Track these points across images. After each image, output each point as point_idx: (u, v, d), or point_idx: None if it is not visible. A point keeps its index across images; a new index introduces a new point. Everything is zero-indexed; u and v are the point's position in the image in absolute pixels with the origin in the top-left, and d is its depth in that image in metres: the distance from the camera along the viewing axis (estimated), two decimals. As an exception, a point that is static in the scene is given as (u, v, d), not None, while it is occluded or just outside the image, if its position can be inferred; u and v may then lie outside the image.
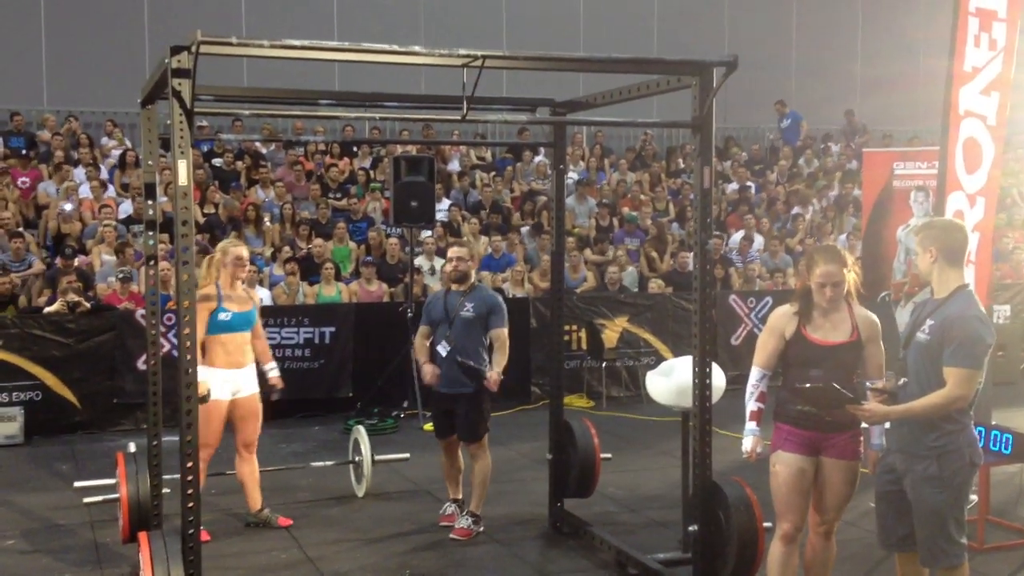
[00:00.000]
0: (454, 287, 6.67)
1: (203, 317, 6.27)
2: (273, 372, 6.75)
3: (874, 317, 4.75)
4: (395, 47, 4.75)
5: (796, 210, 15.69)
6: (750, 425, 4.80)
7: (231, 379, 6.43)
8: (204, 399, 6.11)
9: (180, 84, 4.45)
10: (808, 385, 4.55)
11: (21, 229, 11.90)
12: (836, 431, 4.66)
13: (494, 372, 6.46)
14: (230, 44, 4.37)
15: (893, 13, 19.50)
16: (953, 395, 4.21)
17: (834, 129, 19.38)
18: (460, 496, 6.94)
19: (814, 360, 4.67)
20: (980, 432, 6.38)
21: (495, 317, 6.58)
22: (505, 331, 6.60)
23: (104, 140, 14.92)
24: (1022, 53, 6.89)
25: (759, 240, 14.35)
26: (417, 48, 4.80)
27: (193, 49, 4.33)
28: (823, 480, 4.74)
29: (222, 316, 6.39)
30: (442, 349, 6.62)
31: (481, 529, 6.64)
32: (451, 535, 6.57)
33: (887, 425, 4.62)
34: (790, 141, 18.55)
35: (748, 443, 4.78)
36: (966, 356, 4.20)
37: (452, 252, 6.74)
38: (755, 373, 4.84)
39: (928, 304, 4.47)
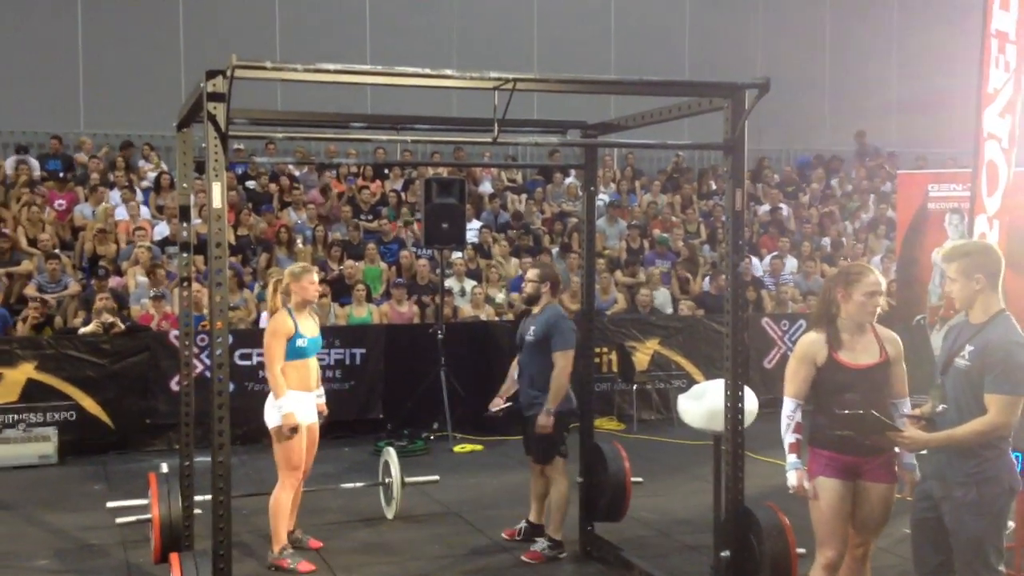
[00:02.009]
0: (531, 309, 6.67)
1: (282, 344, 6.26)
2: (321, 398, 6.70)
3: (896, 336, 4.75)
4: (427, 71, 4.77)
5: (826, 229, 15.61)
6: (791, 459, 4.71)
7: (307, 402, 6.44)
8: (294, 430, 6.18)
9: (215, 108, 4.51)
10: (847, 412, 4.50)
11: (57, 251, 12.05)
12: (874, 454, 4.63)
13: (541, 415, 6.37)
14: (264, 68, 4.41)
15: (928, 35, 19.38)
16: (996, 422, 4.14)
17: (847, 151, 19.24)
18: (536, 519, 6.84)
19: (848, 384, 4.62)
20: (1018, 457, 6.28)
21: (555, 339, 6.41)
22: (562, 354, 6.39)
23: (140, 163, 15.10)
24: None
25: (792, 262, 14.26)
26: (449, 71, 4.82)
27: (228, 73, 4.37)
28: (861, 504, 4.70)
29: (299, 343, 6.34)
30: (515, 372, 6.68)
31: (562, 555, 6.53)
32: (522, 556, 6.52)
33: (923, 451, 4.56)
34: (804, 170, 18.54)
35: (793, 478, 4.69)
36: (1008, 382, 4.13)
37: (526, 274, 6.78)
38: (789, 404, 4.76)
39: (965, 329, 4.38)
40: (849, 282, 4.69)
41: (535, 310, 6.62)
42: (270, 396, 6.31)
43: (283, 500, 6.33)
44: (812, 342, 4.74)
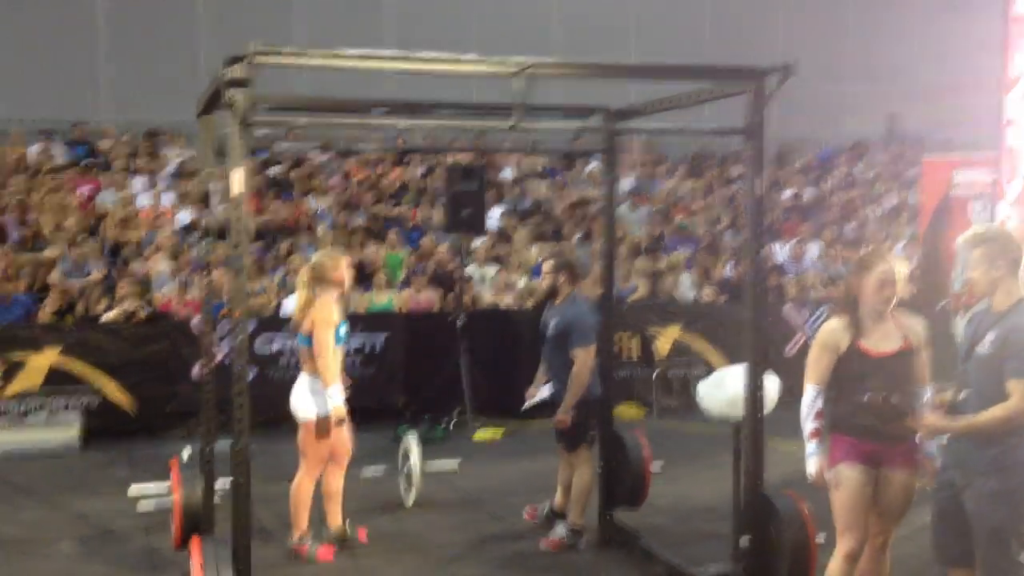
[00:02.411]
0: (554, 300, 6.62)
1: (332, 333, 6.16)
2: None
3: (920, 323, 4.73)
4: (447, 55, 4.76)
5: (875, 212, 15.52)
6: (811, 446, 4.72)
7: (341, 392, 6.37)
8: (341, 422, 6.18)
9: (236, 94, 4.50)
10: (866, 399, 4.47)
11: (81, 238, 12.09)
12: (896, 442, 4.62)
13: (560, 411, 6.35)
14: (284, 54, 4.41)
15: (952, 18, 19.15)
16: (1019, 408, 4.11)
17: (871, 137, 19.05)
18: (559, 507, 6.83)
19: (870, 372, 4.61)
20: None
21: (574, 335, 6.36)
22: (583, 350, 6.33)
23: (163, 150, 15.14)
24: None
25: (814, 248, 14.16)
26: (468, 57, 4.80)
27: (248, 60, 4.37)
28: (883, 492, 4.68)
29: (342, 331, 6.29)
30: (542, 369, 6.69)
31: (582, 543, 6.53)
32: (541, 544, 6.52)
33: (944, 439, 4.52)
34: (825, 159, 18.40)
35: (812, 466, 4.72)
36: None
37: (543, 267, 6.71)
38: (810, 391, 4.74)
39: (988, 316, 4.35)
40: (862, 270, 4.68)
41: (557, 301, 6.58)
42: (303, 383, 6.22)
43: (305, 487, 6.32)
44: (834, 329, 4.71)
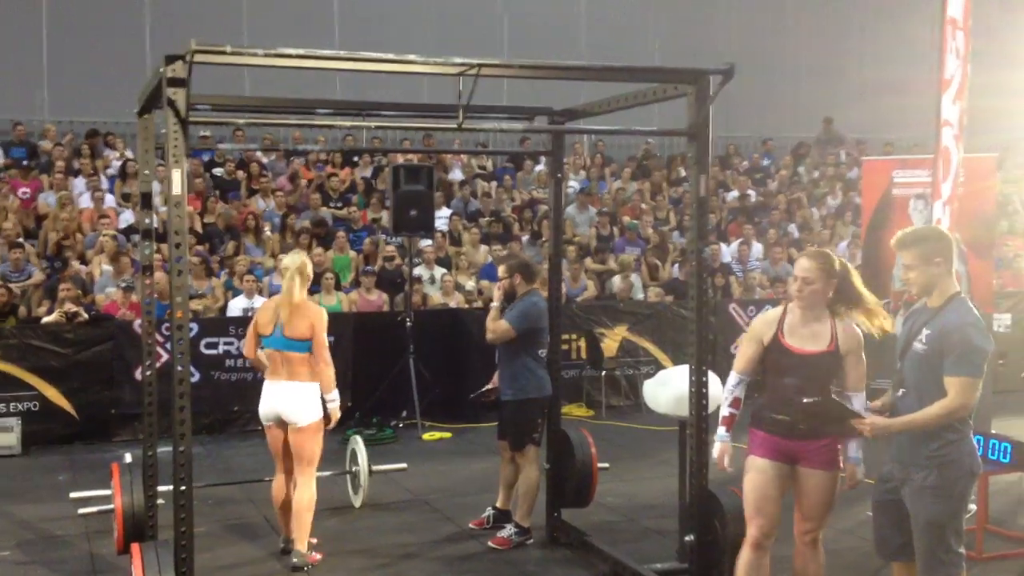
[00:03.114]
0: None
1: None
2: None
3: (857, 331, 4.63)
4: (391, 55, 4.74)
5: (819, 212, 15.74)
6: (720, 431, 4.80)
7: None
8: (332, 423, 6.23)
9: (175, 93, 4.45)
10: (807, 400, 4.51)
11: (21, 239, 11.89)
12: (809, 439, 4.59)
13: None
14: (224, 52, 4.37)
15: (893, 21, 19.49)
16: (955, 404, 4.17)
17: (809, 137, 19.33)
18: (502, 505, 6.85)
19: (789, 368, 4.62)
20: (979, 441, 6.34)
21: (508, 314, 6.45)
22: (505, 326, 6.37)
23: (105, 151, 14.93)
24: (1018, 58, 6.97)
25: (758, 248, 14.33)
26: (413, 56, 4.79)
27: (188, 58, 4.33)
28: (800, 489, 4.70)
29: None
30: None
31: (529, 541, 6.55)
32: (490, 543, 6.52)
33: (859, 450, 4.64)
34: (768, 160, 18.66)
35: (716, 450, 4.82)
36: (967, 364, 4.16)
37: (499, 271, 6.73)
38: (732, 378, 4.83)
39: (923, 313, 4.41)
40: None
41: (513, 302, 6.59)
42: (304, 389, 6.04)
43: (313, 493, 6.15)
44: (764, 320, 4.77)
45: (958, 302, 4.30)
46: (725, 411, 4.80)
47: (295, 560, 6.06)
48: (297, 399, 6.04)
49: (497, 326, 6.42)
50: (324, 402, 6.15)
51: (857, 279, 4.65)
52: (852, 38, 20.40)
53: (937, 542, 4.29)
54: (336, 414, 6.20)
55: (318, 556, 6.23)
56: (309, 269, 6.22)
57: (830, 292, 4.59)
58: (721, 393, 5.74)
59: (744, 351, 4.79)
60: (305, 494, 6.10)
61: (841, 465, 4.66)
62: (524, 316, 6.42)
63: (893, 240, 4.45)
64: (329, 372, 6.10)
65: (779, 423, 4.62)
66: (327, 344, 6.10)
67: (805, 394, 4.53)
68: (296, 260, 6.18)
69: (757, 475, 4.67)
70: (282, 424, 6.11)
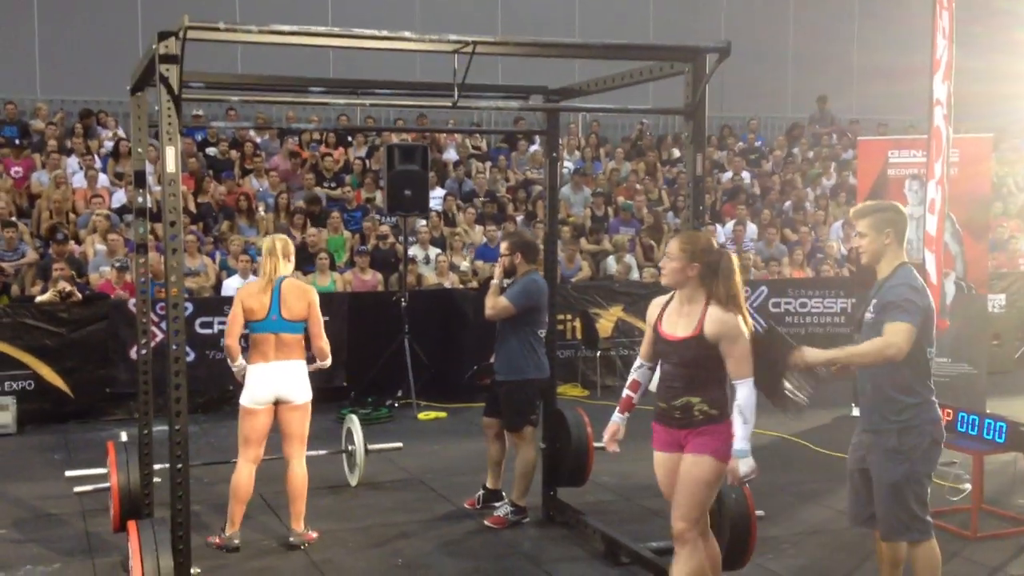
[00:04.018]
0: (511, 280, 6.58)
1: None
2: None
3: (727, 317, 4.33)
4: (384, 32, 4.71)
5: (814, 192, 15.76)
6: (615, 414, 4.72)
7: None
8: None
9: (168, 70, 4.42)
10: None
11: (14, 218, 11.85)
12: (691, 427, 4.40)
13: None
14: (217, 29, 4.34)
15: (891, 3, 19.45)
16: (886, 342, 4.32)
17: (803, 118, 19.31)
18: (492, 485, 6.87)
19: (664, 353, 4.51)
20: (974, 420, 6.38)
21: (508, 292, 6.43)
22: (504, 303, 6.35)
23: (97, 128, 14.87)
24: (1015, 43, 7.02)
25: (752, 229, 14.33)
26: (407, 34, 4.76)
27: (180, 35, 4.29)
28: (678, 475, 4.46)
29: None
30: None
31: (525, 520, 6.57)
32: (485, 521, 6.54)
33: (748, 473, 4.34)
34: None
35: (607, 432, 4.72)
36: (899, 311, 4.33)
37: (501, 247, 6.69)
38: (636, 362, 4.77)
39: (873, 286, 4.59)
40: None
41: (512, 280, 6.56)
42: (299, 368, 6.10)
43: (305, 471, 6.25)
44: (654, 305, 4.65)
45: (903, 270, 4.50)
46: (624, 392, 4.72)
47: (292, 539, 6.11)
48: (296, 378, 6.08)
49: (497, 302, 6.39)
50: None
51: (728, 269, 4.38)
52: (847, 21, 20.35)
53: (897, 504, 4.44)
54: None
55: (314, 534, 6.25)
56: (291, 248, 6.21)
57: (691, 274, 4.37)
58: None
59: (645, 335, 4.70)
60: (300, 474, 6.17)
61: (723, 453, 4.37)
62: (524, 293, 6.40)
63: (851, 210, 4.67)
64: (327, 346, 6.29)
65: (662, 412, 4.52)
66: (321, 319, 6.21)
67: (677, 381, 4.40)
68: (278, 238, 6.21)
69: (658, 469, 4.59)
70: (271, 408, 6.07)
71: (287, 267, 6.13)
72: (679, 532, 4.45)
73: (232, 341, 6.07)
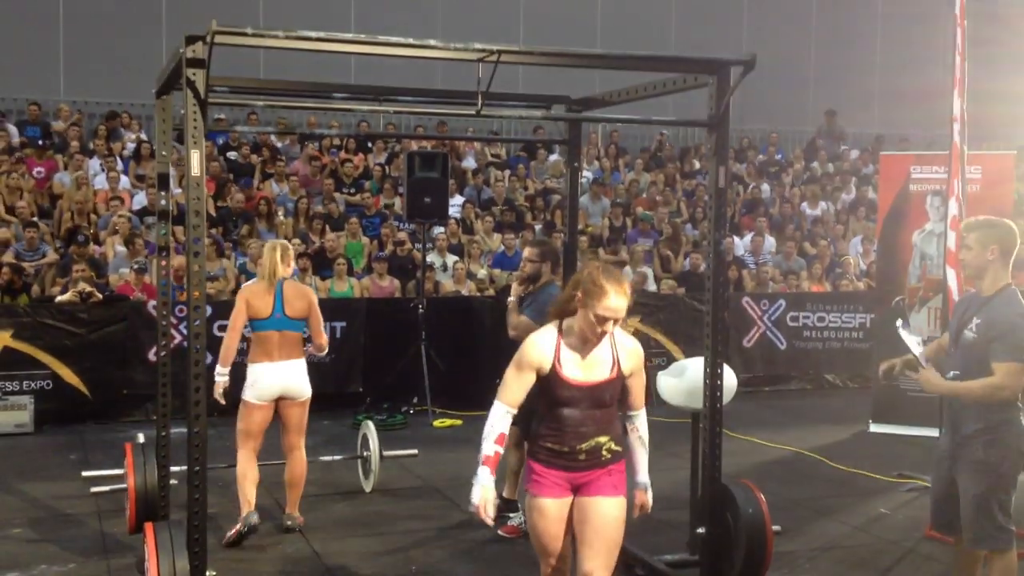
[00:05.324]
0: (530, 287, 6.50)
1: None
2: None
3: (637, 346, 4.19)
4: (410, 40, 4.72)
5: (808, 210, 15.68)
6: (483, 472, 3.98)
7: None
8: None
9: (194, 74, 4.45)
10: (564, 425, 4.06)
11: (35, 219, 11.93)
12: (598, 467, 4.09)
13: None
14: (245, 34, 4.36)
15: (913, 20, 19.39)
16: (998, 384, 4.35)
17: (807, 131, 19.23)
18: (509, 495, 6.75)
19: (571, 400, 4.04)
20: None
21: (529, 309, 6.32)
22: (526, 320, 6.20)
23: (120, 131, 14.96)
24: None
25: (771, 242, 14.30)
26: (432, 42, 4.77)
27: (208, 39, 4.32)
28: (584, 520, 4.09)
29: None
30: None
31: None
32: (499, 530, 6.50)
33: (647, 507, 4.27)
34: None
35: (476, 495, 3.97)
36: (1013, 351, 4.34)
37: (524, 253, 6.64)
38: (498, 409, 4.05)
39: (975, 301, 4.59)
40: (590, 290, 3.95)
41: (531, 288, 6.53)
42: (303, 366, 6.43)
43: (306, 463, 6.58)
44: (540, 347, 4.05)
45: (1009, 292, 4.49)
46: (489, 449, 3.99)
47: (288, 523, 6.45)
48: (300, 375, 6.41)
49: (519, 322, 6.28)
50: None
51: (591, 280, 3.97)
52: (869, 36, 20.30)
53: (982, 515, 4.48)
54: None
55: (302, 519, 6.53)
56: (291, 252, 6.50)
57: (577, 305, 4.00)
58: (733, 386, 5.76)
59: (516, 379, 4.04)
60: (301, 464, 6.53)
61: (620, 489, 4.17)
62: (545, 311, 6.32)
63: (964, 223, 4.79)
64: (326, 341, 6.70)
65: (561, 455, 4.05)
66: (321, 317, 6.57)
67: (587, 425, 4.03)
68: (279, 243, 6.56)
69: (540, 518, 4.10)
70: (272, 404, 6.38)
71: (287, 270, 6.40)
72: None
73: (232, 341, 6.33)
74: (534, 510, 4.13)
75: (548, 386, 4.05)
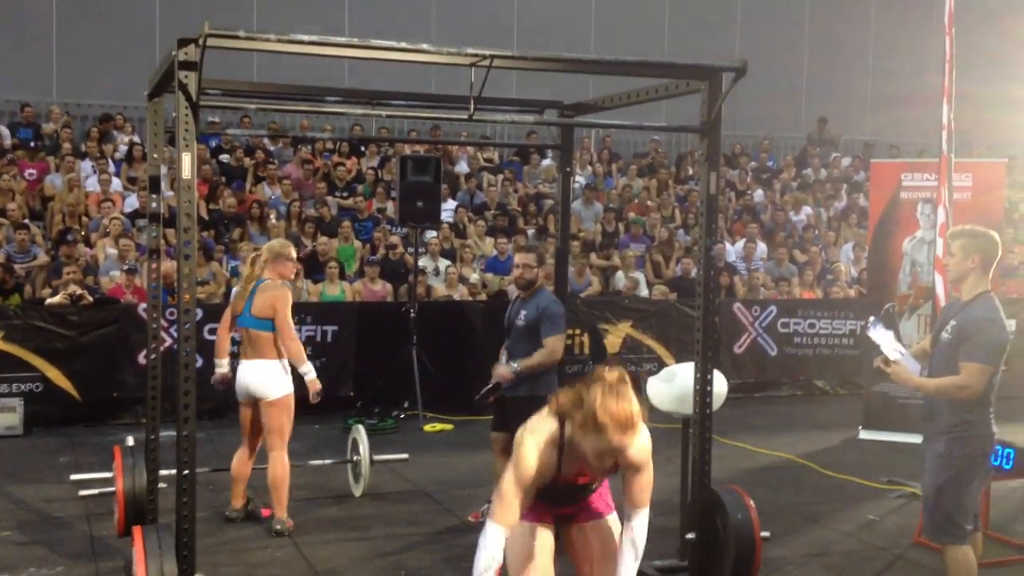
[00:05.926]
0: (521, 294, 6.50)
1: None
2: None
3: (646, 438, 3.82)
4: (403, 44, 4.72)
5: (797, 217, 15.72)
6: None
7: None
8: (319, 394, 6.55)
9: (186, 77, 4.44)
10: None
11: (27, 221, 11.90)
12: (576, 503, 3.95)
13: (503, 368, 6.21)
14: (238, 37, 4.36)
15: (906, 28, 19.46)
16: (960, 383, 4.55)
17: (797, 138, 19.28)
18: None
19: (565, 493, 3.87)
20: (1009, 453, 6.35)
21: (546, 325, 6.20)
22: (554, 339, 6.17)
23: (113, 133, 14.93)
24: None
25: (762, 248, 14.32)
26: (425, 46, 4.77)
27: (200, 42, 4.31)
28: (583, 547, 4.00)
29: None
30: (503, 358, 6.48)
31: None
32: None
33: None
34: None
35: None
36: (978, 351, 4.53)
37: (516, 258, 6.53)
38: (495, 533, 3.58)
39: (954, 306, 4.82)
40: (587, 425, 3.50)
41: (522, 294, 6.53)
42: (271, 366, 6.43)
43: (287, 465, 6.54)
44: (531, 447, 3.66)
45: (985, 298, 4.69)
46: None
47: (277, 527, 6.47)
48: (264, 375, 6.42)
49: (547, 356, 6.15)
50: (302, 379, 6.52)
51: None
52: (862, 44, 20.36)
53: (937, 507, 4.68)
54: (316, 385, 6.49)
55: (293, 524, 6.55)
56: (286, 253, 6.60)
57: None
58: (723, 391, 5.77)
59: (519, 498, 3.61)
60: (277, 466, 6.50)
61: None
62: (559, 317, 6.25)
63: (949, 232, 5.02)
64: (295, 347, 6.49)
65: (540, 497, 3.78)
66: (291, 322, 6.47)
67: (579, 494, 3.87)
68: (266, 248, 6.67)
69: (544, 551, 3.90)
70: (251, 402, 6.50)
71: (270, 273, 6.53)
72: None
73: (222, 333, 6.70)
74: (516, 533, 3.78)
75: (550, 488, 3.73)
